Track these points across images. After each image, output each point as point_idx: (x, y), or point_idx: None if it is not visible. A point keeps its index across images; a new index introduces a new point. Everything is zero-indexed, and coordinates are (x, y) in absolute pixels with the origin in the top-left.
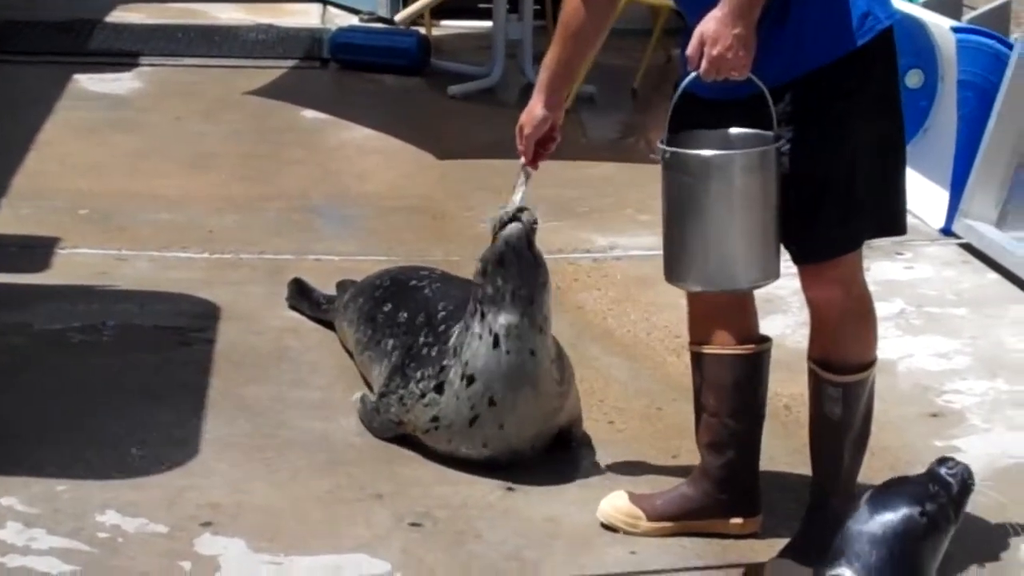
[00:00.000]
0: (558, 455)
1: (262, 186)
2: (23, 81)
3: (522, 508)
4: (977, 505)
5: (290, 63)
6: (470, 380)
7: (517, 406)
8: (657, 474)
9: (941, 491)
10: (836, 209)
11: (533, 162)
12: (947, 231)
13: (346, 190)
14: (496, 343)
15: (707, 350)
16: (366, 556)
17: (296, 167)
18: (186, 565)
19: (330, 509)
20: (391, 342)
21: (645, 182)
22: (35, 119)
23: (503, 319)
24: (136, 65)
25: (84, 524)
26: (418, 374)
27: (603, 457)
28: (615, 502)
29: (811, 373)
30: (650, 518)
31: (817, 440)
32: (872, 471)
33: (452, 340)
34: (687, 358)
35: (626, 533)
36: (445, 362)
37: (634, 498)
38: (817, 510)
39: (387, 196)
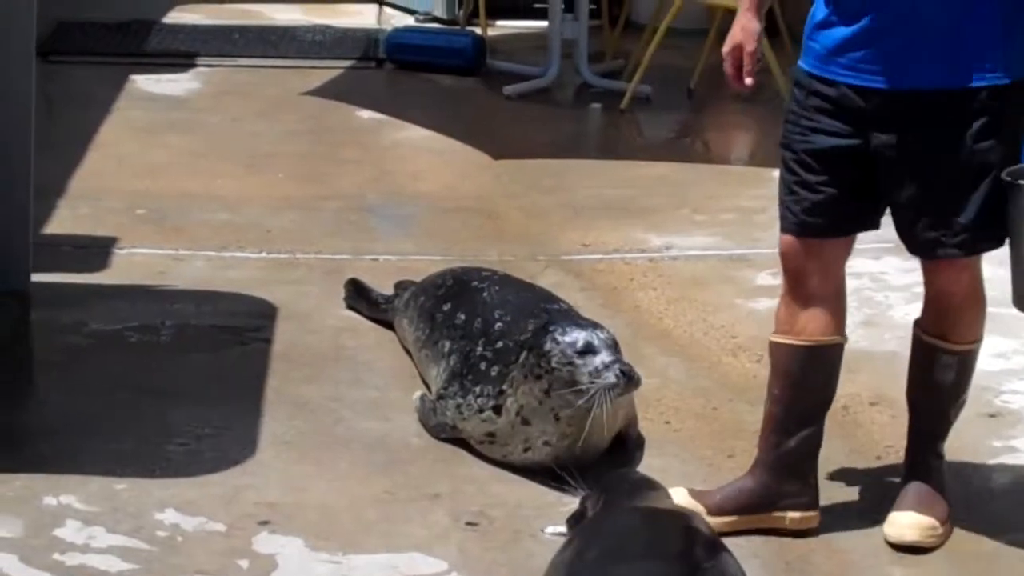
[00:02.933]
0: (614, 454)
1: (318, 186)
2: (80, 82)
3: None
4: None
5: (346, 63)
6: (525, 421)
7: (572, 450)
8: (713, 474)
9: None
10: (990, 205)
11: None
12: None
13: (401, 190)
14: (558, 419)
15: (783, 340)
16: (422, 555)
17: (352, 167)
18: (244, 563)
19: (387, 508)
20: (448, 344)
21: (701, 182)
22: (92, 119)
23: (569, 411)
24: (193, 66)
25: (143, 522)
26: (477, 388)
27: (659, 457)
28: (675, 498)
29: (923, 344)
30: (711, 513)
31: (925, 403)
32: None
33: (511, 371)
34: (743, 358)
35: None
36: (504, 387)
37: (694, 494)
38: (919, 465)
39: (442, 196)
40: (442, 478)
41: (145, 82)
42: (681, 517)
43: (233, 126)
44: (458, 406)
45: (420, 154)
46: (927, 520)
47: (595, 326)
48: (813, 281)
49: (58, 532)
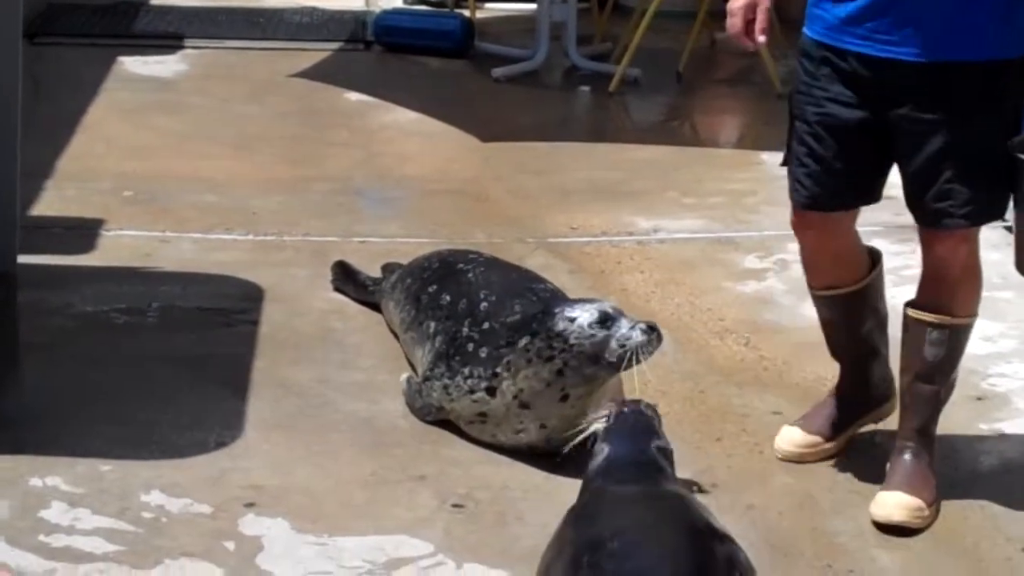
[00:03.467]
0: None
1: (306, 168)
2: (68, 63)
3: (565, 490)
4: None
5: (334, 45)
6: (524, 405)
7: (566, 430)
8: (700, 457)
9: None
10: (995, 177)
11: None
12: None
13: (390, 172)
14: (565, 399)
15: (820, 294)
16: (408, 537)
17: (340, 149)
18: (230, 545)
19: (373, 490)
20: (433, 325)
21: (689, 165)
22: (80, 101)
23: (581, 389)
24: (181, 47)
25: (129, 504)
26: (466, 370)
27: None
28: (792, 437)
29: (915, 322)
30: (828, 438)
31: (916, 383)
32: None
33: (505, 355)
34: (731, 341)
35: (815, 462)
36: (498, 370)
37: (805, 426)
38: (909, 446)
39: (431, 179)
40: (428, 460)
41: (133, 64)
42: (684, 510)
43: (221, 108)
44: (445, 387)
45: (408, 137)
46: (914, 501)
47: (593, 300)
48: (832, 244)
49: (43, 514)
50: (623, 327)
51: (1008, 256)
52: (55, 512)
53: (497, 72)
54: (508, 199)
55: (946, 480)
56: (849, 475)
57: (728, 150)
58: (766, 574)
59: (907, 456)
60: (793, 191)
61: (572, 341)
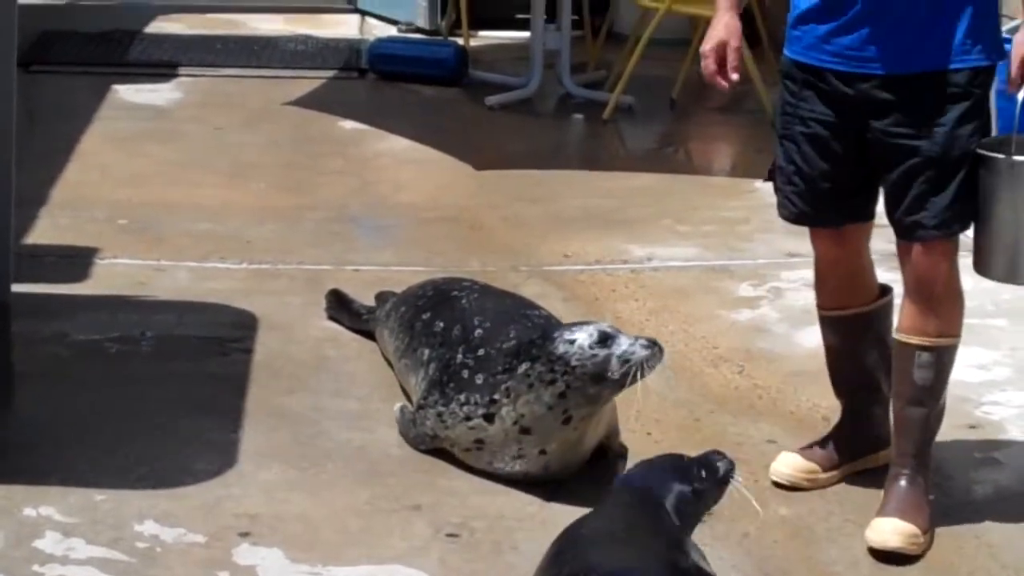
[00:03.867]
0: (596, 466)
1: (300, 196)
2: (62, 91)
3: (560, 519)
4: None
5: (329, 74)
6: (524, 430)
7: (565, 457)
8: None
9: (708, 475)
10: (968, 185)
11: (736, 72)
12: None
13: (384, 200)
14: (567, 421)
15: (844, 313)
16: (403, 567)
17: (334, 177)
18: (224, 575)
19: (368, 520)
20: (427, 352)
21: (683, 193)
22: (74, 129)
23: (584, 410)
24: (175, 75)
25: (122, 534)
26: (462, 397)
27: None
28: (790, 462)
29: (902, 345)
30: (825, 469)
31: (907, 409)
32: None
33: (502, 381)
34: (725, 370)
35: (807, 489)
36: (496, 396)
37: (805, 455)
38: (903, 473)
39: (425, 207)
40: (423, 489)
41: (127, 92)
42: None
43: (215, 136)
44: (439, 415)
45: (402, 164)
46: (909, 527)
47: (590, 322)
48: (846, 262)
49: (37, 543)
50: (624, 344)
51: (1001, 284)
52: (49, 542)
53: (491, 100)
54: (502, 227)
55: (940, 508)
56: (844, 505)
57: (722, 177)
58: None
59: (902, 482)
60: (781, 206)
61: (574, 363)
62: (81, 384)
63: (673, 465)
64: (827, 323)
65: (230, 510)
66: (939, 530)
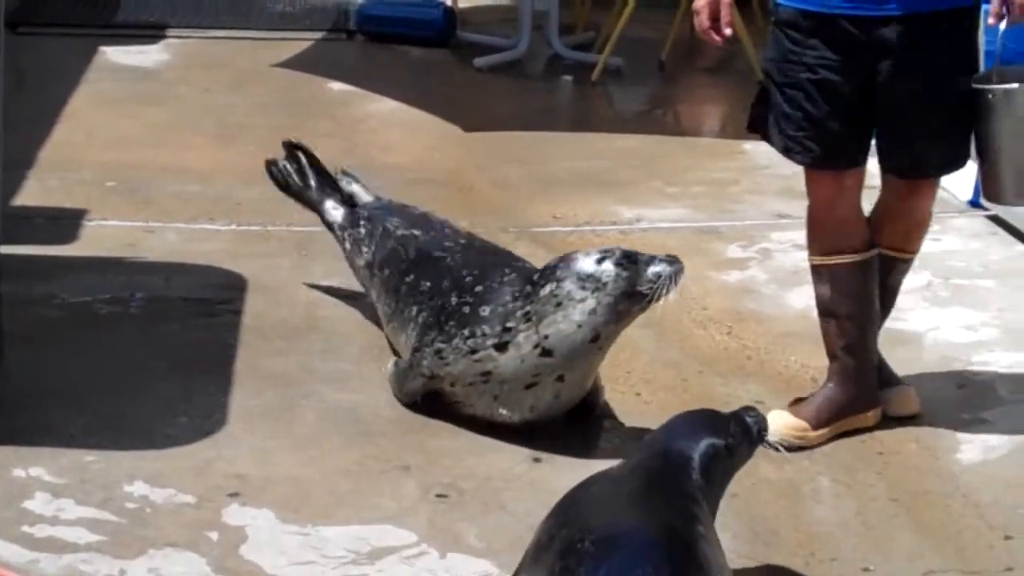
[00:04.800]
0: (584, 426)
1: None
2: (49, 53)
3: (548, 479)
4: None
5: (317, 35)
6: (546, 352)
7: (580, 384)
8: None
9: (741, 431)
10: (967, 125)
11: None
12: (975, 203)
13: (372, 162)
14: (595, 339)
15: (839, 260)
16: (392, 527)
17: (323, 139)
18: (213, 535)
19: (357, 480)
20: (415, 309)
21: (672, 154)
22: (62, 91)
23: (611, 328)
24: (163, 37)
25: (112, 494)
26: (465, 331)
27: (629, 428)
28: (782, 420)
29: (882, 259)
30: (814, 427)
31: (876, 309)
32: (897, 443)
33: (522, 307)
34: (714, 330)
35: (798, 448)
36: (509, 324)
37: (795, 411)
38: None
39: (413, 168)
40: (413, 450)
41: (115, 53)
42: (670, 515)
43: (203, 98)
44: (438, 351)
45: (391, 126)
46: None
47: (606, 247)
48: (842, 206)
49: (27, 504)
50: (649, 261)
51: (989, 245)
52: (38, 503)
53: (479, 62)
54: (491, 189)
55: (930, 468)
56: (832, 467)
57: (711, 139)
58: (749, 563)
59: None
60: (795, 153)
61: (605, 279)
62: (70, 345)
63: (707, 421)
64: (820, 273)
65: (220, 471)
66: (927, 490)
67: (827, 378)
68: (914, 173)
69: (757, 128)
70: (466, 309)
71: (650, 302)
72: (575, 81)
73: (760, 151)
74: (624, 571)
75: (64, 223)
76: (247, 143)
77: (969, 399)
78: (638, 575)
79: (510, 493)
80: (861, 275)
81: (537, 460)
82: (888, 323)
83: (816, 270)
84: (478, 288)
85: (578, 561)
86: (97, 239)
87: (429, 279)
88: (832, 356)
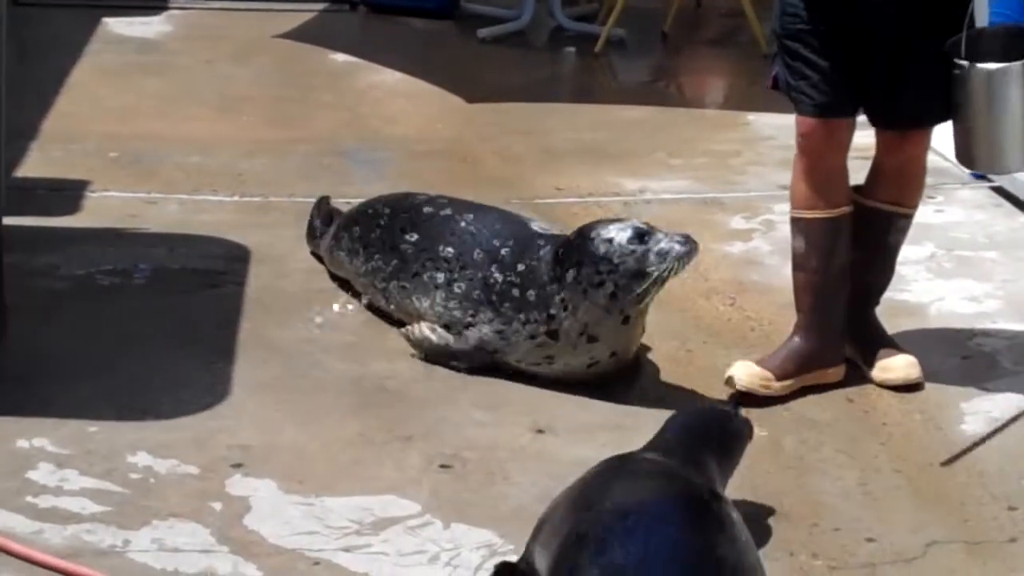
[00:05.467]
0: (588, 398)
1: (292, 129)
2: (52, 24)
3: (551, 450)
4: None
5: (320, 6)
6: (592, 339)
7: (630, 350)
8: None
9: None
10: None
11: None
12: (978, 175)
13: (375, 133)
14: (626, 320)
15: (812, 215)
16: (395, 497)
17: (326, 110)
18: (217, 506)
19: (360, 451)
20: (441, 276)
21: (675, 126)
22: (65, 62)
23: (635, 308)
24: (165, 8)
25: (116, 465)
26: (521, 316)
27: (633, 399)
28: (747, 370)
29: (881, 213)
30: (778, 378)
31: (879, 263)
32: (901, 414)
33: (553, 293)
34: (716, 301)
35: (763, 395)
36: (552, 311)
37: (760, 362)
38: (865, 318)
39: (416, 139)
40: (416, 421)
41: (117, 24)
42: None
43: (206, 69)
44: (499, 332)
45: (394, 97)
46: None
47: (623, 219)
48: (830, 158)
49: (31, 475)
50: (661, 240)
51: (993, 216)
52: (42, 473)
53: (482, 33)
54: (494, 160)
55: (933, 439)
56: (835, 437)
57: (714, 111)
58: (753, 533)
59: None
60: (798, 103)
61: (616, 260)
62: (73, 317)
63: (713, 413)
64: (798, 226)
65: (223, 442)
66: (931, 460)
67: (792, 331)
68: (907, 122)
69: (778, 86)
70: (515, 292)
71: (664, 281)
72: (578, 52)
73: (763, 122)
74: (652, 534)
75: (67, 194)
76: (250, 114)
77: (973, 370)
78: (670, 534)
79: (514, 464)
80: (833, 232)
81: (540, 431)
82: (892, 294)
83: (795, 223)
84: (520, 267)
85: (607, 529)
86: (100, 210)
87: (450, 245)
88: (800, 309)
